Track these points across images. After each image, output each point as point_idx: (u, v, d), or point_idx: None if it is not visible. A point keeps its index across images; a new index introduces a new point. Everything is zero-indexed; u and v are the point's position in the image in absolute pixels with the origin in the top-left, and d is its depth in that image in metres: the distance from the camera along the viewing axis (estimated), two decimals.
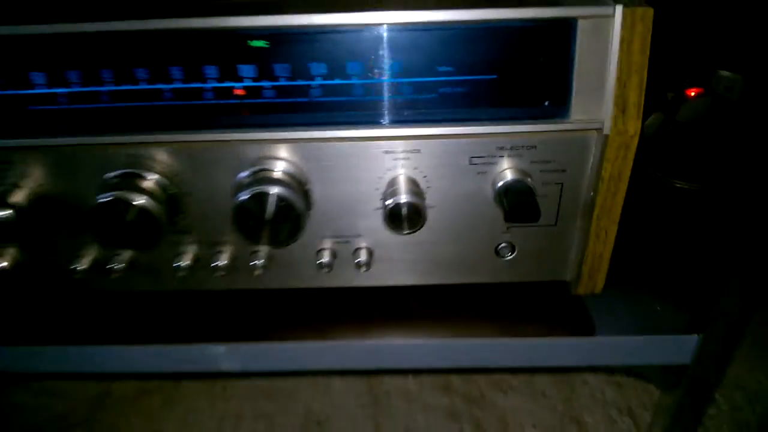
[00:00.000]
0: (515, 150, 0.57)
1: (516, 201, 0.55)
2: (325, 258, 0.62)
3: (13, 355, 0.66)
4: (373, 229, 0.62)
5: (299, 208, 0.55)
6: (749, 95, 0.96)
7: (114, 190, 0.55)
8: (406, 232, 0.56)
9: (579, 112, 0.55)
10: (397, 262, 0.64)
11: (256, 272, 0.63)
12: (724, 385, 1.03)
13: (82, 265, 0.63)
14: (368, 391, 1.06)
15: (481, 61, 0.54)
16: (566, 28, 0.52)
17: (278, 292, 0.66)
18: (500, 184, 0.57)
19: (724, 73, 0.98)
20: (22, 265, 0.64)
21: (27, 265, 0.64)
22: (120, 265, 0.63)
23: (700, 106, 0.98)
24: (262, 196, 0.54)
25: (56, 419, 1.07)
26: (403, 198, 0.55)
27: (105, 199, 0.55)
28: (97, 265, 0.63)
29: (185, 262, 0.62)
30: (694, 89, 0.99)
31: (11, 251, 0.63)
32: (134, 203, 0.55)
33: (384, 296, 0.67)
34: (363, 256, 0.62)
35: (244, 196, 0.54)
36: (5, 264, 0.62)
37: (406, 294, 0.67)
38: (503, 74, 0.55)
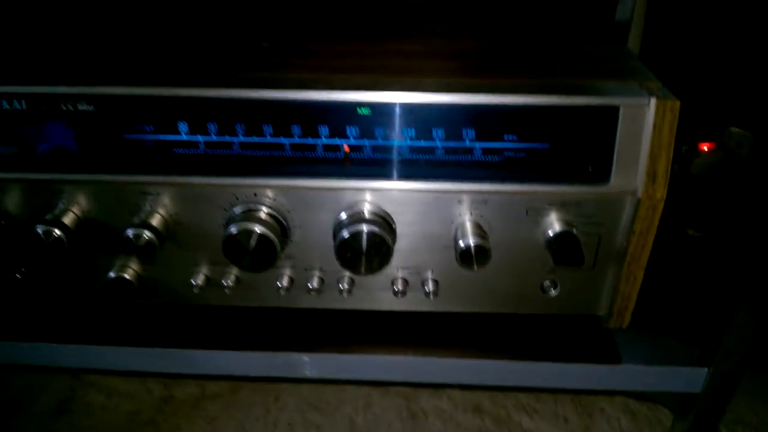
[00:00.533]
0: (564, 206, 0.70)
1: (565, 247, 0.68)
2: (400, 286, 0.75)
3: (141, 354, 0.79)
4: (440, 264, 0.75)
5: (389, 243, 0.68)
6: (758, 151, 1.01)
7: (242, 222, 0.68)
8: (475, 268, 0.69)
9: (617, 179, 0.68)
10: (456, 292, 0.77)
11: (344, 294, 0.76)
12: (726, 420, 1.14)
13: (199, 281, 0.76)
14: (407, 408, 1.18)
15: (539, 133, 0.68)
16: (612, 113, 0.66)
17: (358, 312, 0.79)
18: (550, 232, 0.70)
19: (736, 129, 1.03)
20: (150, 280, 0.77)
21: (157, 280, 0.77)
22: (230, 283, 0.76)
23: (712, 160, 1.08)
24: (360, 235, 0.68)
25: (125, 417, 1.19)
26: (474, 240, 0.68)
27: (234, 231, 0.68)
28: (211, 282, 0.77)
29: (284, 283, 0.75)
30: (707, 144, 1.09)
31: (145, 269, 0.77)
32: (258, 232, 0.68)
33: (443, 321, 0.80)
34: (431, 286, 0.75)
35: (345, 233, 0.68)
36: (130, 278, 0.76)
37: (462, 320, 0.80)
38: (555, 145, 0.68)
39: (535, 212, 0.70)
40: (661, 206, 0.69)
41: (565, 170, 0.67)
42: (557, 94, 0.66)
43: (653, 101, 0.65)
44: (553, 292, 0.76)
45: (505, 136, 0.68)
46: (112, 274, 0.76)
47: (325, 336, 0.79)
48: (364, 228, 0.68)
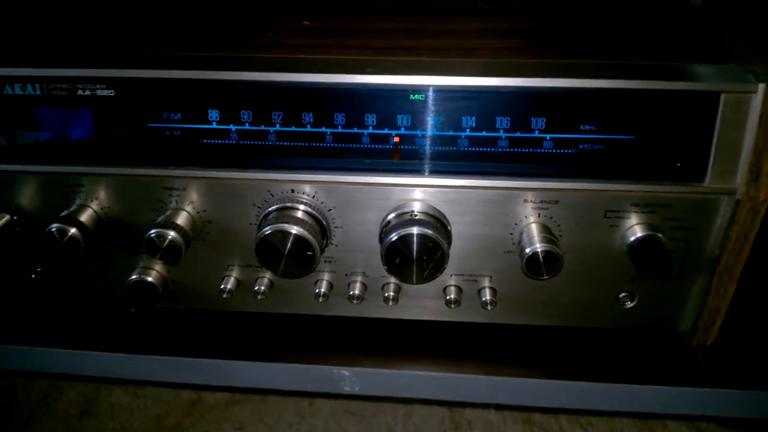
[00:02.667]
0: (649, 207, 0.60)
1: (650, 257, 0.59)
2: (452, 294, 0.66)
3: (166, 363, 0.71)
4: (500, 270, 0.66)
5: (444, 248, 0.60)
6: None
7: (277, 222, 0.60)
8: (544, 278, 0.60)
9: (714, 177, 0.58)
10: (518, 303, 0.68)
11: (389, 303, 0.67)
12: None
13: (229, 285, 0.69)
14: (450, 418, 1.10)
15: (622, 123, 0.58)
16: (711, 100, 0.56)
17: (404, 322, 0.71)
18: (632, 238, 0.60)
19: None
20: (175, 284, 0.70)
21: (183, 283, 0.70)
22: (263, 288, 0.68)
23: None
24: (411, 238, 0.59)
25: (152, 420, 1.13)
26: (543, 246, 0.59)
27: (269, 231, 0.60)
28: (242, 286, 0.69)
29: (323, 289, 0.67)
30: None
31: (171, 271, 0.69)
32: (295, 233, 0.60)
33: (500, 334, 0.71)
34: (488, 295, 0.66)
35: (393, 236, 0.59)
36: (153, 281, 0.68)
37: (522, 333, 0.71)
38: (641, 136, 0.58)
39: (614, 214, 0.60)
40: (764, 209, 0.59)
41: (652, 166, 0.58)
42: (645, 78, 0.56)
43: (761, 87, 0.55)
44: (629, 304, 0.67)
45: (582, 127, 0.58)
46: (134, 277, 0.69)
47: (367, 348, 0.71)
48: (415, 230, 0.59)
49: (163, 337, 0.73)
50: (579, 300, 0.67)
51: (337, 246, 0.66)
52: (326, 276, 0.68)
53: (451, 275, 0.67)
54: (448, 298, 0.66)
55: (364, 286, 0.68)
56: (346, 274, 0.68)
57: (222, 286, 0.69)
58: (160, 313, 0.75)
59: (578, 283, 0.66)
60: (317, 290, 0.68)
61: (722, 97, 0.55)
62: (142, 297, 0.70)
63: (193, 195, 0.65)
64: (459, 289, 0.67)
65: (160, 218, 0.64)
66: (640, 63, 0.59)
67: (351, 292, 0.67)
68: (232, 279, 0.69)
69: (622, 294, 0.66)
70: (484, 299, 0.66)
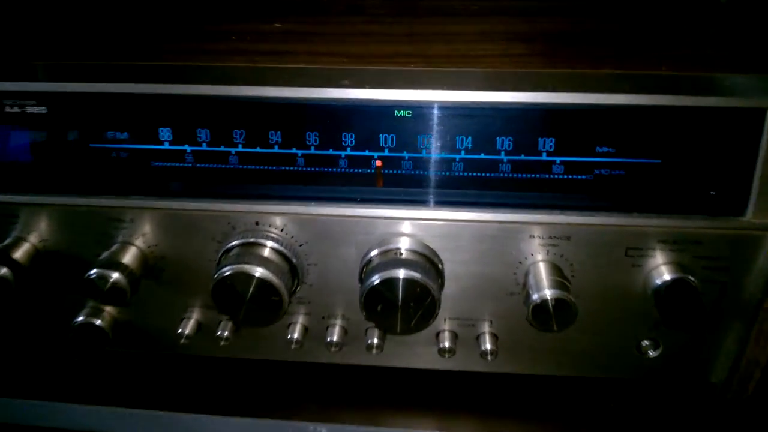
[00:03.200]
0: (679, 244, 0.51)
1: (679, 303, 0.49)
2: (446, 342, 0.57)
3: (117, 416, 0.62)
4: (501, 314, 0.57)
5: (435, 294, 0.50)
6: None
7: (238, 261, 0.51)
8: (553, 330, 0.51)
9: (757, 210, 0.49)
10: (524, 350, 0.58)
11: (374, 351, 0.58)
12: None
13: (188, 330, 0.59)
14: None
15: (646, 145, 0.49)
16: (754, 118, 0.46)
17: (391, 371, 0.61)
18: (659, 281, 0.51)
19: None
20: (128, 326, 0.61)
21: (137, 326, 0.61)
22: (227, 333, 0.59)
23: None
24: (396, 282, 0.50)
25: None
26: (553, 293, 0.49)
27: (228, 273, 0.51)
28: (204, 330, 0.60)
29: (296, 335, 0.58)
30: None
31: (122, 312, 0.60)
32: (257, 275, 0.51)
33: (502, 384, 0.61)
34: (488, 343, 0.57)
35: (375, 279, 0.50)
36: (102, 324, 0.59)
37: (527, 384, 0.61)
38: (669, 160, 0.49)
39: (637, 253, 0.51)
40: None
41: (682, 196, 0.50)
42: (675, 93, 0.47)
43: None
44: (652, 353, 0.57)
45: (598, 149, 0.49)
46: (80, 319, 0.60)
47: (347, 400, 0.62)
48: (402, 273, 0.50)
49: (116, 385, 0.64)
50: (595, 348, 0.58)
51: (311, 286, 0.56)
52: (300, 319, 0.59)
53: (445, 319, 0.57)
54: (441, 345, 0.57)
55: (344, 331, 0.59)
56: (323, 317, 0.59)
57: (180, 330, 0.59)
58: (112, 358, 0.66)
59: (594, 329, 0.56)
60: (290, 335, 0.58)
61: None
62: (90, 340, 0.60)
63: (144, 227, 0.55)
64: (454, 335, 0.58)
65: (104, 255, 0.55)
66: (667, 73, 0.50)
67: (329, 338, 0.58)
68: (191, 322, 0.60)
69: (645, 342, 0.57)
70: (483, 348, 0.57)
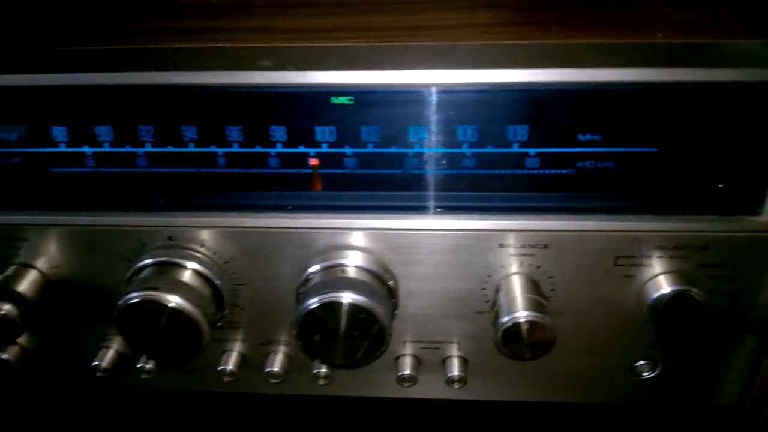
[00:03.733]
0: (681, 250, 0.42)
1: (680, 321, 0.41)
2: (406, 369, 0.48)
3: None
4: (471, 336, 0.48)
5: (383, 321, 0.41)
6: None
7: (145, 287, 0.42)
8: (526, 359, 0.42)
9: None
10: (500, 375, 0.50)
11: (321, 382, 0.49)
12: None
13: (105, 362, 0.50)
14: None
15: (639, 131, 0.40)
16: None
17: (344, 401, 0.53)
18: (656, 295, 0.42)
19: None
20: (35, 356, 0.52)
21: (42, 356, 0.52)
22: (150, 365, 0.50)
23: None
24: (337, 307, 0.41)
25: None
26: (527, 315, 0.40)
27: (134, 300, 0.42)
28: (123, 359, 0.51)
29: (230, 366, 0.49)
30: None
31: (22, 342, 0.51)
32: (169, 305, 0.42)
33: (475, 412, 0.53)
34: (455, 369, 0.48)
35: (312, 303, 0.41)
36: (10, 357, 0.50)
37: (503, 411, 0.53)
38: (668, 149, 0.40)
39: (630, 261, 0.42)
40: None
41: (684, 192, 0.41)
42: (673, 65, 0.37)
43: None
44: (648, 374, 0.49)
45: (580, 137, 0.40)
46: None
47: None
48: (343, 296, 0.41)
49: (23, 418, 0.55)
50: (583, 371, 0.50)
51: (244, 309, 0.47)
52: (237, 347, 0.50)
53: (405, 342, 0.49)
54: (400, 373, 0.48)
55: (289, 359, 0.50)
56: (262, 344, 0.50)
57: (97, 362, 0.50)
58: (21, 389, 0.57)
59: (581, 350, 0.48)
60: (223, 366, 0.49)
61: None
62: None
63: (43, 247, 0.46)
64: (417, 360, 0.49)
65: None
66: (664, 41, 0.40)
67: (267, 368, 0.49)
68: (110, 352, 0.51)
69: (641, 362, 0.48)
70: (450, 373, 0.48)
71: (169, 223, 0.44)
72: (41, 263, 0.47)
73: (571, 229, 0.42)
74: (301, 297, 0.43)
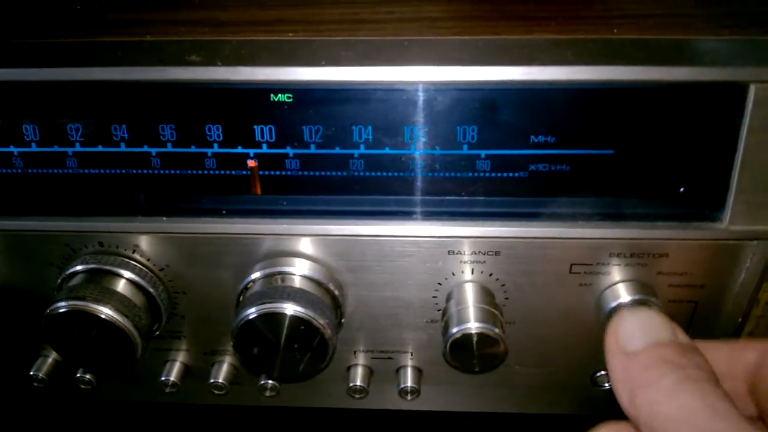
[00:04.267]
0: (638, 258, 0.40)
1: None
2: (358, 380, 0.46)
3: None
4: (424, 345, 0.46)
5: (326, 333, 0.39)
6: None
7: (72, 297, 0.39)
8: (475, 372, 0.40)
9: (737, 214, 0.38)
10: (454, 386, 0.48)
11: (267, 394, 0.47)
12: None
13: (41, 372, 0.48)
14: None
15: (594, 131, 0.38)
16: (734, 96, 0.35)
17: (297, 411, 0.50)
18: (613, 304, 0.40)
19: None
20: None
21: None
22: (89, 376, 0.48)
23: None
24: (276, 318, 0.38)
25: None
26: (478, 326, 0.38)
27: (61, 310, 0.39)
28: (59, 369, 0.49)
29: (172, 377, 0.47)
30: None
31: None
32: (102, 317, 0.39)
33: (434, 422, 0.51)
34: (409, 379, 0.46)
35: (250, 314, 0.39)
36: None
37: (458, 421, 0.51)
38: (624, 150, 0.38)
39: (585, 269, 0.40)
40: None
41: (642, 197, 0.38)
42: (630, 63, 0.35)
43: None
44: (608, 385, 0.46)
45: (533, 138, 0.38)
46: None
47: None
48: (282, 306, 0.38)
49: None
50: (541, 381, 0.47)
51: (183, 318, 0.45)
52: (179, 357, 0.48)
53: (356, 352, 0.46)
54: (351, 384, 0.46)
55: (234, 369, 0.48)
56: (205, 354, 0.47)
57: (33, 372, 0.48)
58: None
59: (538, 359, 0.46)
60: (165, 377, 0.47)
61: (751, 89, 0.35)
62: None
63: None
64: (368, 371, 0.47)
65: None
66: (620, 37, 0.38)
67: (212, 379, 0.47)
68: (48, 361, 0.49)
69: (601, 373, 0.46)
70: (403, 384, 0.46)
71: (100, 228, 0.41)
72: None
73: (524, 236, 0.39)
74: (239, 306, 0.41)
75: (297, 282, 0.40)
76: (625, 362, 0.29)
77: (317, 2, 0.45)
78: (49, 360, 0.49)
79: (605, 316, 0.41)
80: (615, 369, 0.29)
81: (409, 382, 0.46)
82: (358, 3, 0.44)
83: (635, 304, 0.40)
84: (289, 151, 0.40)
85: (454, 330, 0.39)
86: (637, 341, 0.29)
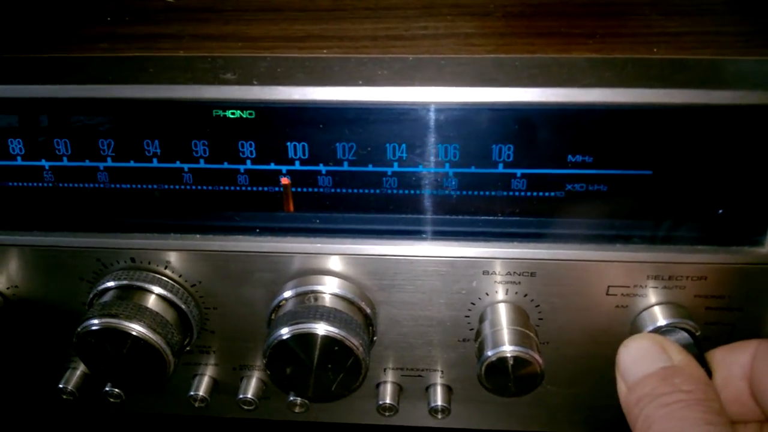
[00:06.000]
0: (676, 281, 0.39)
1: None
2: (387, 398, 0.46)
3: None
4: (454, 364, 0.45)
5: (360, 354, 0.39)
6: None
7: (105, 314, 0.39)
8: (511, 395, 0.39)
9: None
10: (485, 404, 0.47)
11: (297, 410, 0.47)
12: None
13: (70, 385, 0.48)
14: None
15: (633, 152, 0.37)
16: None
17: (319, 427, 0.50)
18: (651, 327, 0.40)
19: None
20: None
21: (5, 377, 0.50)
22: (117, 389, 0.48)
23: None
24: (309, 338, 0.38)
25: None
26: (513, 349, 0.38)
27: (94, 327, 0.39)
28: (89, 381, 0.49)
29: (201, 392, 0.47)
30: None
31: None
32: (133, 333, 0.39)
33: None
34: (439, 398, 0.46)
35: (283, 334, 0.38)
36: None
37: None
38: (663, 171, 0.37)
39: (622, 291, 0.40)
40: None
41: (680, 219, 0.38)
42: (669, 86, 0.34)
43: None
44: None
45: (570, 158, 0.37)
46: None
47: None
48: (316, 327, 0.38)
49: None
50: (573, 401, 0.47)
51: (214, 333, 0.45)
52: (208, 371, 0.48)
53: (386, 369, 0.46)
54: (381, 402, 0.46)
55: (264, 384, 0.47)
56: (234, 369, 0.47)
57: (62, 385, 0.48)
58: None
59: (569, 380, 0.45)
60: (194, 391, 0.47)
61: None
62: None
63: None
64: (398, 388, 0.47)
65: None
66: (660, 57, 0.38)
67: (241, 394, 0.47)
68: (76, 374, 0.49)
69: None
70: (433, 403, 0.46)
71: (134, 245, 0.41)
72: None
73: (562, 258, 0.39)
74: (272, 325, 0.41)
75: (329, 301, 0.40)
76: (626, 394, 0.32)
77: (347, 18, 0.44)
78: (78, 373, 0.49)
79: None
80: (621, 400, 0.33)
81: (440, 401, 0.46)
82: (390, 18, 0.44)
83: (671, 327, 0.39)
84: (322, 168, 0.40)
85: (490, 353, 0.38)
86: (632, 374, 0.32)
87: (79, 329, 0.40)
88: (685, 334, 0.37)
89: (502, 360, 0.38)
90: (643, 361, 0.32)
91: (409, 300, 0.42)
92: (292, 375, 0.40)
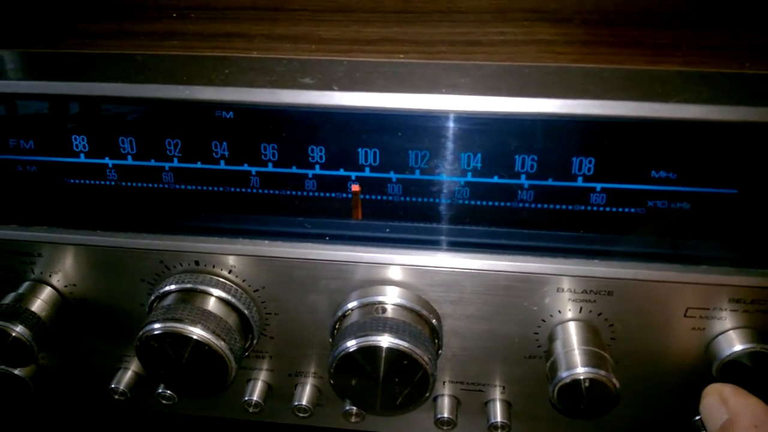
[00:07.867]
0: (758, 304, 0.38)
1: (754, 384, 0.36)
2: (445, 412, 0.45)
3: None
4: (517, 380, 0.44)
5: (427, 367, 0.38)
6: None
7: (168, 318, 0.39)
8: (584, 417, 0.38)
9: None
10: (545, 421, 0.46)
11: (353, 420, 0.46)
12: None
13: (122, 385, 0.47)
14: None
15: (717, 169, 0.36)
16: None
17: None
18: (728, 352, 0.38)
19: None
20: (49, 374, 0.49)
21: (57, 375, 0.49)
22: (170, 392, 0.47)
23: None
24: (376, 351, 0.37)
25: None
26: (587, 371, 0.36)
27: (156, 332, 0.38)
28: (143, 385, 0.48)
29: (255, 397, 0.46)
30: None
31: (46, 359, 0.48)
32: (194, 337, 0.38)
33: None
34: (499, 414, 0.44)
35: (350, 346, 0.37)
36: (21, 374, 0.48)
37: None
38: (749, 190, 0.36)
39: (700, 314, 0.38)
40: None
41: (766, 241, 0.34)
42: (759, 103, 0.33)
43: None
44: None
45: (654, 173, 0.36)
46: None
47: None
48: (384, 341, 0.37)
49: None
50: (638, 422, 0.45)
51: (272, 338, 0.44)
52: (262, 375, 0.47)
53: (445, 382, 0.45)
54: (439, 415, 0.45)
55: (318, 391, 0.47)
56: (290, 375, 0.46)
57: (114, 385, 0.47)
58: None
59: (638, 401, 0.44)
60: (248, 396, 0.46)
61: None
62: (8, 393, 0.49)
63: (58, 264, 0.43)
64: (455, 402, 0.46)
65: (6, 300, 0.43)
66: (752, 72, 0.36)
67: (296, 401, 0.46)
68: (128, 374, 0.48)
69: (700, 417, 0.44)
70: (493, 419, 0.44)
71: (197, 249, 0.41)
72: (57, 281, 0.44)
73: (642, 278, 0.37)
74: (337, 335, 0.40)
75: (396, 312, 0.39)
76: None
77: (420, 20, 0.43)
78: (129, 373, 0.48)
79: (718, 365, 0.39)
80: None
81: (500, 417, 0.44)
82: (465, 22, 0.43)
83: (747, 353, 0.37)
84: (392, 175, 0.39)
85: (563, 374, 0.37)
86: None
87: (141, 332, 0.39)
88: None
89: (577, 382, 0.37)
90: (710, 420, 0.37)
91: (475, 314, 0.41)
92: (357, 387, 0.39)
